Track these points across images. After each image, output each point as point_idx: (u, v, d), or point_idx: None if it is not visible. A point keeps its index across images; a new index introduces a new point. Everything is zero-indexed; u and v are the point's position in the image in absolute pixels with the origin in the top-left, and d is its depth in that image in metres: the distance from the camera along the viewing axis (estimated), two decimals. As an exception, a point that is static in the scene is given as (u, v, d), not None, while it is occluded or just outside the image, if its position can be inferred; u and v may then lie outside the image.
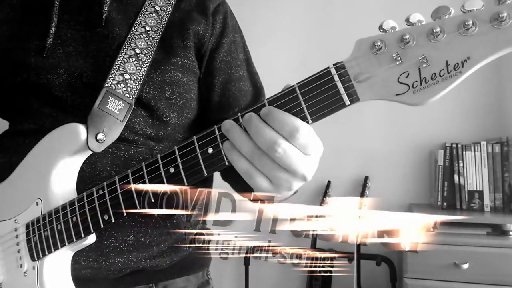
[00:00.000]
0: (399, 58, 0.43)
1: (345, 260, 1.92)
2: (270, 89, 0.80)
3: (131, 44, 0.69)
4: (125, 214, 0.57)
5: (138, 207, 0.56)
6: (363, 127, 2.05)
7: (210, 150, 0.51)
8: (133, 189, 0.56)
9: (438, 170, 1.78)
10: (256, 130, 0.48)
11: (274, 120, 0.47)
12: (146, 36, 0.70)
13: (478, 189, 1.73)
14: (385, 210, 2.12)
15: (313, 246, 1.92)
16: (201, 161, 0.52)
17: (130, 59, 0.68)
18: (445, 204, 1.76)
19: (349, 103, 0.46)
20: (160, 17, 0.73)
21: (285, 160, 0.47)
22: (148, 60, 0.69)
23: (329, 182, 2.05)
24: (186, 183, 0.53)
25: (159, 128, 0.70)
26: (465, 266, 1.51)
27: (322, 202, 2.01)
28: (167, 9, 0.74)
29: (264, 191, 0.51)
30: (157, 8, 0.74)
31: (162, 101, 0.69)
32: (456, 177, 1.75)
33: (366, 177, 1.99)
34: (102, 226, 0.59)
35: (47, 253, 0.62)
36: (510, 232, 1.56)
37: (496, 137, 1.79)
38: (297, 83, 0.48)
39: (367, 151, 2.05)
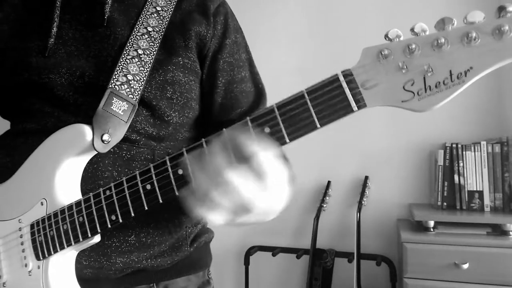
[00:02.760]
0: (405, 67, 0.44)
1: (345, 260, 1.94)
2: (271, 91, 0.81)
3: (134, 45, 0.69)
4: (133, 215, 0.58)
5: (146, 208, 0.57)
6: (363, 127, 2.05)
7: None
8: (141, 190, 0.57)
9: (438, 170, 1.78)
10: (212, 154, 0.50)
11: (238, 144, 0.50)
12: (148, 37, 0.70)
13: (478, 189, 1.73)
14: (385, 210, 2.14)
15: (314, 246, 1.92)
16: None
17: (133, 60, 0.68)
18: (445, 204, 1.77)
19: (356, 109, 0.47)
20: (162, 17, 0.73)
21: (228, 188, 0.49)
22: (151, 60, 0.69)
23: (329, 182, 2.06)
24: None
25: (161, 128, 0.71)
26: (465, 266, 1.52)
27: (322, 202, 2.01)
28: (168, 9, 0.74)
29: (216, 222, 0.53)
30: (158, 8, 0.74)
31: (163, 100, 0.70)
32: (456, 177, 1.75)
33: (366, 177, 2.00)
34: (109, 226, 0.59)
35: (52, 253, 0.63)
36: (510, 232, 1.56)
37: (496, 137, 1.80)
38: (305, 89, 0.49)
39: (367, 151, 2.06)
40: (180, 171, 0.54)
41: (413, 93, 0.43)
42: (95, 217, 0.60)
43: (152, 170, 0.57)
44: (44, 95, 0.69)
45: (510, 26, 0.39)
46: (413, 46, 0.43)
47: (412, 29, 0.43)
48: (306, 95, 0.48)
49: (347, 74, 0.47)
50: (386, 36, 0.44)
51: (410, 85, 0.43)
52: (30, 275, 0.64)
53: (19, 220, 0.67)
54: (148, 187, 0.56)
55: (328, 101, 0.47)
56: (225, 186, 0.49)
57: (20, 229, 0.66)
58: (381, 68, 0.45)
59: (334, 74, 0.47)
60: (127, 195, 0.58)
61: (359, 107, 0.47)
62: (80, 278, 0.64)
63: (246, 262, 2.11)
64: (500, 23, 0.39)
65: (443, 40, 0.41)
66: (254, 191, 0.50)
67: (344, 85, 0.47)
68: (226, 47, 0.77)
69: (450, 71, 0.41)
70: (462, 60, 0.41)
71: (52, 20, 0.71)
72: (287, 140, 0.50)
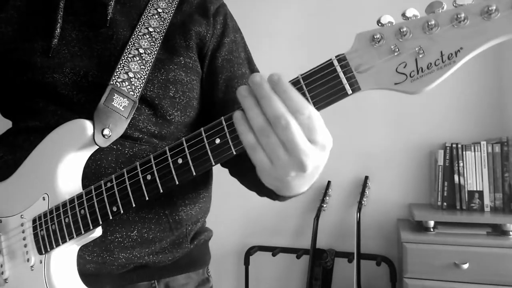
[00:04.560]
0: (397, 50, 0.45)
1: (345, 260, 1.94)
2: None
3: (135, 44, 0.70)
4: (134, 205, 0.58)
5: (147, 198, 0.58)
6: (363, 127, 2.06)
7: (218, 141, 0.53)
8: (141, 180, 0.57)
9: (438, 170, 1.79)
10: (268, 99, 0.47)
11: (283, 92, 0.47)
12: (149, 37, 0.72)
13: (478, 189, 1.73)
14: (385, 210, 2.14)
15: (314, 246, 1.93)
16: (209, 151, 0.54)
17: (134, 58, 0.69)
18: (445, 204, 1.77)
19: (351, 92, 0.48)
20: (163, 19, 0.75)
21: (287, 134, 0.47)
22: (151, 59, 0.70)
23: (329, 182, 2.07)
24: (194, 173, 0.55)
25: (163, 126, 0.72)
26: (465, 266, 1.52)
27: (322, 202, 2.02)
28: (169, 11, 0.76)
29: (264, 169, 0.50)
30: (159, 10, 0.75)
31: (166, 99, 0.71)
32: (456, 177, 1.75)
33: (366, 177, 2.01)
34: (111, 217, 0.60)
35: (54, 246, 0.63)
36: (510, 232, 1.56)
37: (496, 137, 1.80)
38: (301, 74, 0.50)
39: (367, 151, 2.06)
40: (180, 160, 0.55)
41: (406, 75, 0.44)
42: (97, 209, 0.60)
43: (152, 160, 0.57)
44: (48, 94, 0.70)
45: (498, 6, 0.40)
46: (405, 29, 0.44)
47: (403, 14, 0.44)
48: (301, 80, 0.49)
49: (341, 59, 0.48)
50: (378, 21, 0.46)
51: (402, 67, 0.44)
52: (32, 269, 0.64)
53: (21, 215, 0.67)
54: (149, 177, 0.57)
55: (323, 85, 0.48)
56: (285, 132, 0.46)
57: (22, 224, 0.67)
58: (374, 52, 0.46)
59: (328, 59, 0.48)
60: (128, 186, 0.59)
61: (353, 91, 0.48)
62: (83, 273, 0.64)
63: (246, 262, 2.12)
64: (488, 3, 0.40)
65: (433, 22, 0.42)
66: (310, 146, 0.48)
67: (339, 69, 0.48)
68: (225, 45, 0.78)
69: (441, 52, 0.42)
70: (452, 41, 0.42)
71: (56, 21, 0.73)
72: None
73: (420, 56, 0.43)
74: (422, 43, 0.43)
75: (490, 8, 0.40)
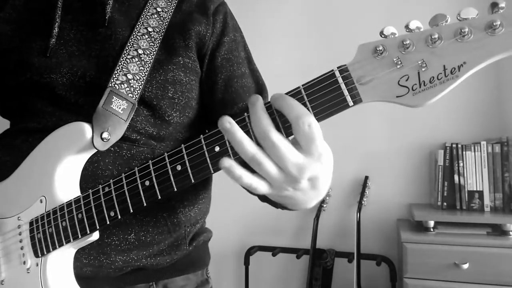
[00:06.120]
0: (400, 62, 0.45)
1: (345, 260, 1.94)
2: (271, 90, 0.81)
3: (134, 45, 0.69)
4: (131, 211, 0.58)
5: (145, 204, 0.57)
6: (363, 127, 2.05)
7: (217, 149, 0.53)
8: (139, 186, 0.57)
9: (438, 170, 1.78)
10: (257, 116, 0.48)
11: (283, 105, 0.47)
12: (148, 37, 0.71)
13: (478, 189, 1.73)
14: (385, 210, 2.14)
15: (314, 246, 1.92)
16: (208, 159, 0.53)
17: (133, 59, 0.68)
18: (445, 204, 1.77)
19: (352, 104, 0.48)
20: (162, 18, 0.74)
21: (275, 152, 0.47)
22: (151, 60, 0.69)
23: (329, 182, 2.06)
24: (193, 181, 0.54)
25: (161, 127, 0.71)
26: (465, 266, 1.52)
27: (322, 202, 2.01)
28: (168, 10, 0.75)
29: (263, 192, 0.51)
30: (158, 9, 0.75)
31: (164, 100, 0.70)
32: (456, 177, 1.75)
33: (366, 177, 2.00)
34: (108, 222, 0.60)
35: (51, 250, 0.63)
36: (510, 232, 1.56)
37: (496, 137, 1.80)
38: (302, 85, 0.49)
39: (367, 151, 2.06)
40: (179, 167, 0.55)
41: (408, 88, 0.44)
42: (94, 214, 0.60)
43: (151, 166, 0.57)
44: (46, 95, 0.69)
45: (502, 21, 0.40)
46: (408, 42, 0.44)
47: (406, 26, 0.44)
48: (302, 90, 0.49)
49: (343, 70, 0.48)
50: (381, 33, 0.45)
51: (405, 80, 0.44)
52: (28, 272, 0.64)
53: (18, 217, 0.67)
54: (147, 183, 0.57)
55: (324, 96, 0.48)
56: (272, 150, 0.47)
57: (19, 226, 0.67)
58: (376, 64, 0.46)
59: (330, 70, 0.48)
60: (126, 191, 0.58)
61: (354, 102, 0.48)
62: (80, 276, 0.64)
63: (246, 262, 2.12)
64: (493, 19, 0.40)
65: (436, 35, 0.42)
66: (303, 158, 0.48)
67: (340, 80, 0.48)
68: (224, 44, 0.77)
69: (444, 66, 0.42)
70: (456, 55, 0.42)
71: (54, 21, 0.72)
72: (284, 136, 0.50)
73: (423, 69, 0.43)
74: (425, 57, 0.43)
75: (494, 23, 0.39)
